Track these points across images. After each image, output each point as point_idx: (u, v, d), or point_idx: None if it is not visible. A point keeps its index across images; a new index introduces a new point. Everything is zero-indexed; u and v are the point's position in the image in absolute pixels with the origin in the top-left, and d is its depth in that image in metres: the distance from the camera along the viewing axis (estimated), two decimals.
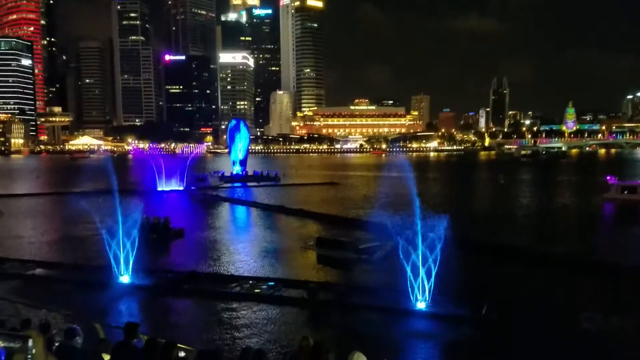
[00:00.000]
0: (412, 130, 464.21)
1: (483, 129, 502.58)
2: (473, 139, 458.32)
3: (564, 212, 59.03)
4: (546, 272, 31.13)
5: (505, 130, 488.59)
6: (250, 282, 27.59)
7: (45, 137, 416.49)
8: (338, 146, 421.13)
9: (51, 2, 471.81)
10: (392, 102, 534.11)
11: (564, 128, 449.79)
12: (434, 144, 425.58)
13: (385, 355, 17.80)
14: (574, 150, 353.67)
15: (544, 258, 33.40)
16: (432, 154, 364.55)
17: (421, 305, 22.94)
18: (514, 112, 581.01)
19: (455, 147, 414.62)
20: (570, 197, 76.38)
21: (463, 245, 32.21)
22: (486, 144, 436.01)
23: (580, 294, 26.36)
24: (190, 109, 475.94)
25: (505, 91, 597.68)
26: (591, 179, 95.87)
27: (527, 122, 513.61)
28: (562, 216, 56.32)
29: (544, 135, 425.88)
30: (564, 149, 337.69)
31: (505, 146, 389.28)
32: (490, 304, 22.49)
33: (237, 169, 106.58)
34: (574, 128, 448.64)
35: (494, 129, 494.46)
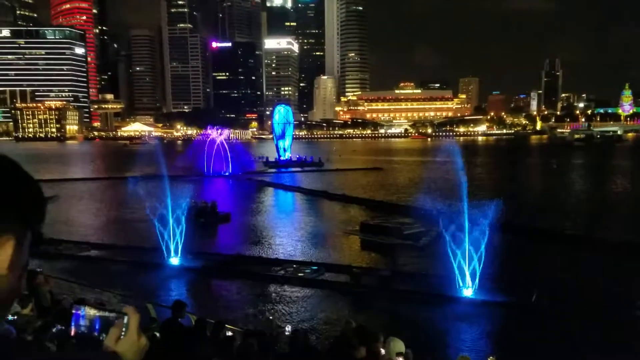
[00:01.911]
0: (459, 114, 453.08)
1: (534, 112, 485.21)
2: (524, 122, 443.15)
3: (618, 198, 56.44)
4: (598, 258, 29.94)
5: (558, 113, 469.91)
6: (294, 265, 27.88)
7: (98, 123, 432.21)
8: (382, 131, 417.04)
9: None
10: (438, 85, 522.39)
11: (619, 111, 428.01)
12: (482, 127, 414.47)
13: (430, 341, 17.63)
14: (630, 134, 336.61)
15: (595, 243, 32.12)
16: (480, 138, 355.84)
17: (468, 292, 22.54)
18: (567, 94, 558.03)
19: (505, 131, 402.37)
20: (626, 182, 72.91)
21: (512, 231, 31.39)
22: (538, 127, 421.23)
23: (634, 281, 25.23)
24: (236, 95, 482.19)
25: (558, 73, 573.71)
26: None
27: (581, 104, 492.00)
28: (616, 202, 53.89)
29: (598, 119, 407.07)
30: (619, 132, 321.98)
31: (558, 130, 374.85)
32: (541, 291, 21.85)
33: (281, 154, 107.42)
34: (631, 111, 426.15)
35: (546, 112, 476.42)
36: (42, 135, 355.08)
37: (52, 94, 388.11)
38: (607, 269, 27.83)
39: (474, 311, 21.57)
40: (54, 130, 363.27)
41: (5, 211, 1.25)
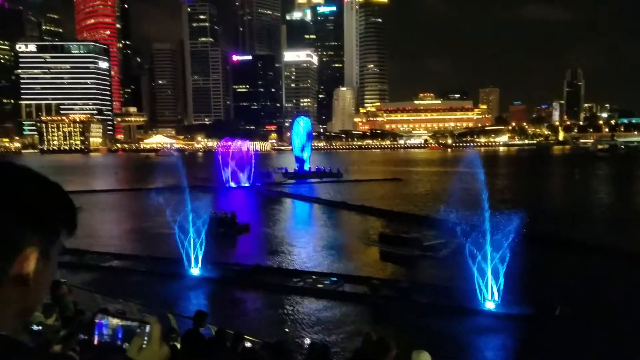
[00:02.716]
0: (480, 125, 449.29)
1: (557, 123, 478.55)
2: (546, 132, 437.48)
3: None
4: (622, 268, 29.25)
5: (581, 123, 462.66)
6: (313, 277, 27.82)
7: (122, 136, 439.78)
8: (401, 142, 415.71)
9: (126, 6, 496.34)
10: (458, 95, 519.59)
11: None
12: (503, 138, 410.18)
13: (453, 354, 17.40)
14: None
15: (620, 254, 31.40)
16: (502, 148, 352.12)
17: (490, 304, 22.20)
18: (589, 104, 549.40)
19: (526, 142, 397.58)
20: None
21: (534, 242, 30.89)
22: (560, 138, 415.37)
23: None
24: (255, 107, 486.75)
25: (580, 83, 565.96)
26: None
27: (604, 115, 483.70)
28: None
29: (622, 129, 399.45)
30: None
31: (581, 140, 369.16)
32: (564, 303, 21.41)
33: (300, 165, 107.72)
34: None
35: (568, 123, 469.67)
36: (66, 147, 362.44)
37: (77, 107, 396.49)
38: (631, 279, 27.17)
39: (496, 324, 21.22)
40: (78, 142, 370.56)
41: (27, 224, 1.27)
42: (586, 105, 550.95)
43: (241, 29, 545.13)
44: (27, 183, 1.34)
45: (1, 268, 1.25)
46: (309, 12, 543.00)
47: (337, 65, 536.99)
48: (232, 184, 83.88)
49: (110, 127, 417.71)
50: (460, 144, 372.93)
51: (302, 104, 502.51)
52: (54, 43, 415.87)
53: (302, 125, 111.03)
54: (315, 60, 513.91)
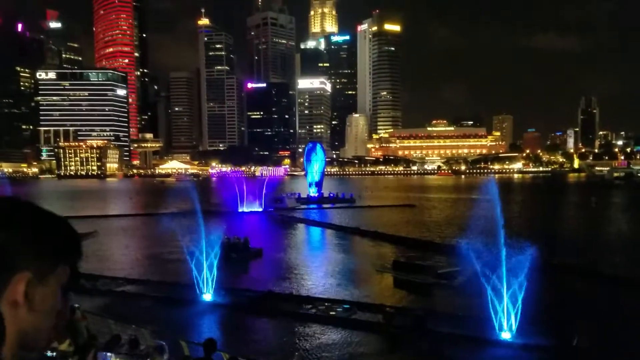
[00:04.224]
0: (493, 152, 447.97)
1: (571, 150, 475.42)
2: (561, 160, 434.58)
3: None
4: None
5: (596, 151, 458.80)
6: (326, 304, 27.52)
7: (138, 161, 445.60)
8: (415, 168, 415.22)
9: (144, 35, 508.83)
10: (471, 122, 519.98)
11: None
12: (518, 165, 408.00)
13: None
14: None
15: (636, 285, 30.66)
16: (516, 175, 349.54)
17: (506, 335, 21.73)
18: (604, 132, 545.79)
19: (541, 169, 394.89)
20: None
21: (551, 271, 30.33)
22: (575, 165, 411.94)
23: None
24: (269, 133, 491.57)
25: (594, 110, 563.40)
26: None
27: (620, 142, 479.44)
28: None
29: (638, 157, 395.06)
30: None
31: (596, 168, 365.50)
32: (582, 333, 20.88)
33: (313, 190, 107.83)
34: None
35: (583, 150, 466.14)
36: (83, 173, 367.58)
37: (94, 134, 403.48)
38: None
39: (512, 354, 20.73)
40: (94, 168, 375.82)
41: (19, 249, 1.35)
42: (601, 132, 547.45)
43: (256, 57, 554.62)
44: (24, 211, 1.42)
45: None
46: (323, 41, 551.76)
47: (350, 92, 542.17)
48: (245, 209, 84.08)
49: (127, 153, 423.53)
50: (474, 171, 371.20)
51: (315, 130, 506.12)
52: (73, 71, 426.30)
53: (315, 151, 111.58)
54: (328, 87, 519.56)
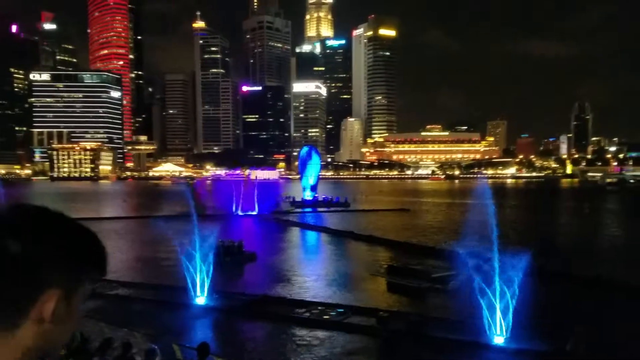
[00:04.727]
0: (487, 157, 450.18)
1: (564, 156, 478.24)
2: (554, 165, 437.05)
3: None
4: (636, 305, 28.67)
5: (589, 157, 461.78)
6: (320, 307, 27.49)
7: (131, 163, 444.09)
8: (409, 172, 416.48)
9: (139, 38, 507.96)
10: (465, 127, 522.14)
11: None
12: (511, 170, 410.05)
13: None
14: None
15: (634, 291, 30.81)
16: (509, 180, 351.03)
17: (499, 339, 21.77)
18: (597, 138, 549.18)
19: (534, 174, 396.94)
20: None
21: (544, 276, 30.42)
22: (568, 171, 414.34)
23: None
24: (264, 136, 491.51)
25: (587, 117, 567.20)
26: None
27: (612, 148, 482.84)
28: None
29: (631, 163, 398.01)
30: None
31: (589, 173, 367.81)
32: (576, 339, 20.95)
33: (307, 194, 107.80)
34: None
35: (576, 156, 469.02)
36: (76, 174, 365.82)
37: (88, 135, 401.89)
38: None
39: (506, 359, 20.77)
40: (88, 170, 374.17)
41: (53, 265, 1.32)
42: (594, 138, 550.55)
43: (252, 60, 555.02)
44: (58, 226, 1.39)
45: (22, 307, 1.28)
46: (318, 45, 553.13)
47: (345, 96, 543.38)
48: (240, 212, 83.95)
49: (121, 155, 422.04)
50: (468, 176, 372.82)
51: (310, 134, 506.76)
52: (68, 72, 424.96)
53: (310, 155, 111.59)
54: (324, 91, 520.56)
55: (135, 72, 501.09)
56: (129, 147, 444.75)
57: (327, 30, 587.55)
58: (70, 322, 1.39)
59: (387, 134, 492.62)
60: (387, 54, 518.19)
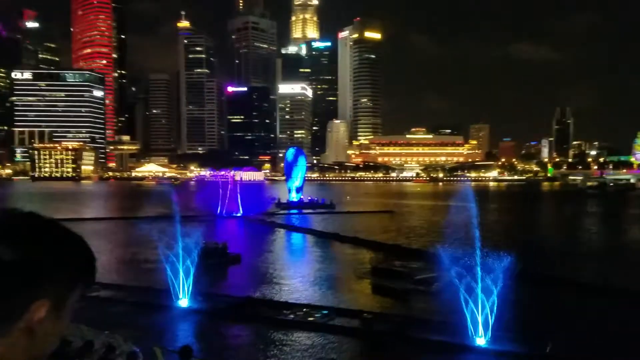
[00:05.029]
0: (470, 160, 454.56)
1: (546, 159, 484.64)
2: (535, 169, 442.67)
3: (635, 247, 55.34)
4: (614, 306, 29.13)
5: (570, 160, 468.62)
6: (305, 309, 27.46)
7: (114, 164, 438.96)
8: (394, 174, 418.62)
9: (123, 37, 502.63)
10: (449, 130, 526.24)
11: (632, 159, 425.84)
12: (493, 173, 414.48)
13: None
14: None
15: (612, 292, 31.31)
16: (491, 183, 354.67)
17: (481, 341, 21.95)
18: (578, 142, 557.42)
19: (516, 177, 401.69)
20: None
21: (525, 279, 30.74)
22: (549, 174, 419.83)
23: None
24: (250, 137, 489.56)
25: (569, 121, 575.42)
26: None
27: (593, 152, 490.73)
28: (634, 250, 52.79)
29: (611, 167, 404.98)
30: (633, 181, 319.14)
31: (570, 177, 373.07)
32: (556, 340, 21.21)
33: (293, 196, 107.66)
34: None
35: (557, 160, 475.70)
36: (57, 174, 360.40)
37: (70, 135, 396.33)
38: (622, 316, 27.04)
39: None
40: (69, 170, 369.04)
41: (42, 276, 1.29)
42: (575, 142, 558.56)
43: (237, 61, 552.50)
44: (49, 233, 1.36)
45: (11, 318, 1.25)
46: (304, 46, 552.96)
47: (331, 98, 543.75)
48: (225, 214, 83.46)
49: (103, 155, 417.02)
50: (451, 178, 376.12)
51: (296, 135, 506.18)
52: (50, 71, 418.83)
53: (295, 157, 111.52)
54: (309, 93, 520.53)
55: (119, 71, 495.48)
56: (112, 147, 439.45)
57: (312, 32, 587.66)
58: (58, 330, 1.39)
59: (372, 136, 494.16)
60: (373, 56, 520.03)
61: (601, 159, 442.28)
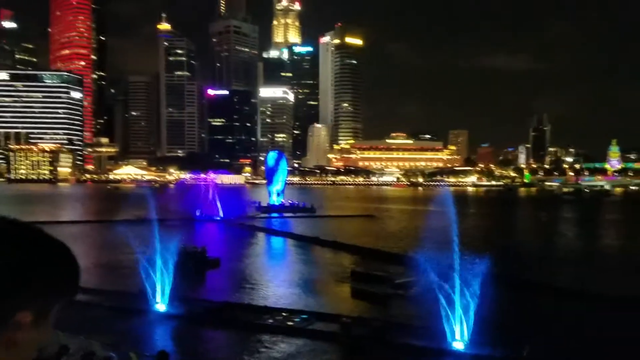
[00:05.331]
0: (449, 165, 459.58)
1: (523, 165, 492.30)
2: (512, 174, 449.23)
3: (610, 252, 56.50)
4: (591, 310, 29.64)
5: (546, 166, 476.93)
6: (284, 314, 27.35)
7: (92, 166, 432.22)
8: (374, 179, 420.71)
9: (102, 38, 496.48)
10: (429, 136, 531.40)
11: (607, 166, 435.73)
12: (472, 178, 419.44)
13: None
14: (618, 189, 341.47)
15: (587, 297, 31.89)
16: (470, 188, 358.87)
17: (459, 345, 22.13)
18: (554, 148, 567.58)
19: (494, 183, 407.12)
20: (616, 236, 73.21)
21: (502, 283, 31.12)
22: (526, 180, 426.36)
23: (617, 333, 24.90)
24: (230, 140, 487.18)
25: (545, 128, 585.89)
26: (637, 218, 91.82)
27: (569, 159, 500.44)
28: (608, 255, 53.89)
29: (586, 173, 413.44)
30: (607, 187, 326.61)
31: (547, 183, 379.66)
32: (532, 344, 21.49)
33: (274, 199, 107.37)
34: (619, 167, 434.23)
35: (534, 165, 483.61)
36: (34, 177, 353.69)
37: (47, 137, 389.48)
38: (598, 321, 27.54)
39: None
40: (46, 172, 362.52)
41: (23, 289, 1.24)
42: (551, 149, 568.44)
43: (218, 64, 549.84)
44: (31, 243, 1.31)
45: None
46: (286, 51, 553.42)
47: (312, 102, 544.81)
48: (204, 218, 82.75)
49: (80, 157, 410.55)
50: (431, 183, 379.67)
51: (277, 139, 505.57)
52: (27, 72, 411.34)
53: (276, 160, 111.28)
54: (291, 97, 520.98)
55: (98, 72, 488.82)
56: (90, 149, 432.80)
57: (294, 37, 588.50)
58: (39, 341, 1.36)
59: (353, 141, 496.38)
60: (354, 62, 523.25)
61: (577, 166, 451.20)
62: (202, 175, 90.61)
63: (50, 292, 1.30)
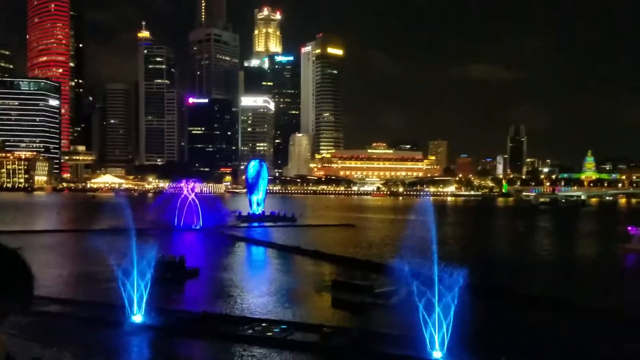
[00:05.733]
0: (429, 175, 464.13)
1: (500, 176, 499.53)
2: (490, 184, 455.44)
3: (585, 262, 57.48)
4: (567, 320, 30.04)
5: (523, 177, 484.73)
6: (263, 324, 27.11)
7: (68, 174, 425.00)
8: (355, 188, 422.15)
9: (80, 45, 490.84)
10: (409, 146, 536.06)
11: (583, 177, 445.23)
12: (451, 188, 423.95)
13: None
14: (593, 199, 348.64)
15: (565, 307, 32.31)
16: (449, 198, 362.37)
17: (437, 354, 22.19)
18: (532, 159, 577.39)
19: (472, 193, 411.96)
20: (591, 246, 74.55)
21: (481, 293, 31.39)
22: (504, 190, 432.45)
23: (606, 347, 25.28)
24: (211, 149, 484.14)
25: (522, 139, 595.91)
26: (612, 229, 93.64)
27: (546, 169, 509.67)
28: (583, 265, 54.82)
29: (562, 184, 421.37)
30: (583, 197, 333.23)
31: (524, 193, 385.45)
32: (509, 354, 21.65)
33: (255, 208, 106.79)
34: (594, 177, 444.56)
35: (511, 176, 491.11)
36: (9, 185, 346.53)
37: (23, 145, 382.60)
38: (575, 330, 27.90)
39: None
40: (22, 180, 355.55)
41: None
42: (528, 160, 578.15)
43: (198, 72, 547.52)
44: None
45: None
46: (266, 60, 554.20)
47: (293, 112, 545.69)
48: (183, 227, 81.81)
49: (57, 166, 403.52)
50: (411, 192, 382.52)
51: (258, 148, 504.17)
52: (3, 79, 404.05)
53: (256, 169, 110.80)
54: (272, 106, 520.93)
55: (76, 80, 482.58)
56: (66, 157, 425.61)
57: (275, 46, 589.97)
58: None
59: (334, 150, 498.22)
60: (335, 72, 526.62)
61: (553, 176, 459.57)
62: (181, 185, 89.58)
63: (2, 298, 1.22)
